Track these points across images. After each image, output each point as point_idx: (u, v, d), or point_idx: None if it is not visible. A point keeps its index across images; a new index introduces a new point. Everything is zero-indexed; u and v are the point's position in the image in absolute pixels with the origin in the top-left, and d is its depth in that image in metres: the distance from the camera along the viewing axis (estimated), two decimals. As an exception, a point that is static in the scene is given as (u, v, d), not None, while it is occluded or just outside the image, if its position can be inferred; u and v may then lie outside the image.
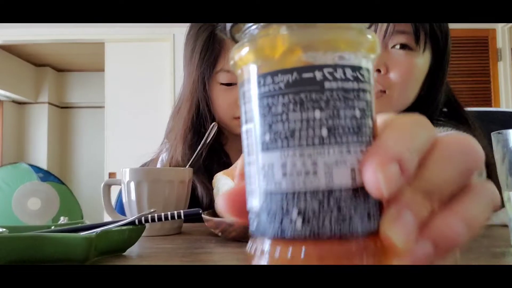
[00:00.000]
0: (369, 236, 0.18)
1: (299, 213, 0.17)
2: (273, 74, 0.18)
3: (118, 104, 3.14)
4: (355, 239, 0.18)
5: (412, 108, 0.74)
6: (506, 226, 0.49)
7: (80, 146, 4.79)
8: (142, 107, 3.04)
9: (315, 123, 0.17)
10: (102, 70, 3.25)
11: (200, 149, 0.71)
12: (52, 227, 0.49)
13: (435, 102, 0.76)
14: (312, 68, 0.17)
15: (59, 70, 4.69)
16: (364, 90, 0.18)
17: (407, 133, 0.19)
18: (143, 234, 0.49)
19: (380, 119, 0.20)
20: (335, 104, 0.17)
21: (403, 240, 0.18)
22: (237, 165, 0.47)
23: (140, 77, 3.11)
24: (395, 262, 0.19)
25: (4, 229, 0.47)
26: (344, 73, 0.18)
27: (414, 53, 0.72)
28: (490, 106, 2.82)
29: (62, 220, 0.59)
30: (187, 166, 0.68)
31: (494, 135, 0.46)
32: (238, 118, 0.85)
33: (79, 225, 0.49)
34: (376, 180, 0.17)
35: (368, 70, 0.19)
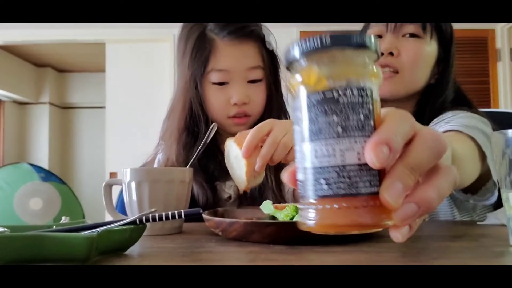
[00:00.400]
0: (370, 196, 0.26)
1: (324, 180, 0.27)
2: (310, 94, 0.28)
3: (118, 105, 3.15)
4: (360, 197, 0.26)
5: (424, 95, 0.86)
6: (504, 225, 0.49)
7: (81, 146, 4.80)
8: (142, 107, 3.04)
9: (334, 124, 0.27)
10: (103, 70, 3.25)
11: (200, 149, 0.72)
12: (54, 227, 0.50)
13: (444, 91, 0.86)
14: (331, 90, 0.27)
15: (60, 70, 4.69)
16: (367, 103, 0.27)
17: (395, 124, 0.27)
18: (144, 233, 0.49)
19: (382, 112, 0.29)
20: (346, 112, 0.26)
21: (394, 201, 0.26)
22: (247, 135, 0.58)
23: (141, 77, 3.11)
24: (392, 215, 0.27)
25: (5, 229, 0.47)
26: (352, 92, 0.27)
27: (422, 40, 0.84)
28: (489, 106, 2.82)
29: (64, 219, 0.60)
30: (187, 166, 0.68)
31: (493, 135, 0.46)
32: (232, 117, 0.85)
33: (81, 224, 0.50)
34: (370, 156, 0.26)
35: (371, 89, 0.27)
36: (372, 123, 0.27)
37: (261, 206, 0.62)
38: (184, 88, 0.85)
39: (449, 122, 0.73)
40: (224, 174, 0.84)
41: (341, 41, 0.27)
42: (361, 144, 0.26)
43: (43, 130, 4.49)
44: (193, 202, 0.80)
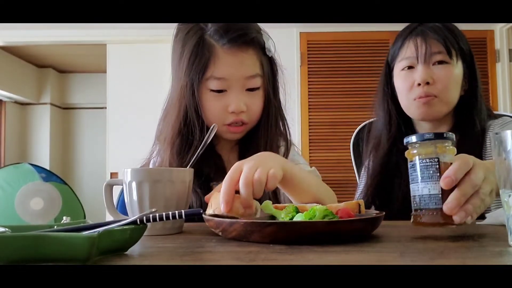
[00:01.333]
0: (437, 209, 0.53)
1: (417, 201, 0.55)
2: (414, 160, 0.56)
3: (119, 105, 3.15)
4: (431, 209, 0.53)
5: (460, 105, 0.99)
6: (503, 225, 0.50)
7: (82, 146, 4.80)
8: (143, 108, 3.04)
9: (419, 174, 0.55)
10: (104, 71, 3.25)
11: (200, 150, 0.72)
12: (55, 227, 0.50)
13: (477, 99, 0.99)
14: (420, 159, 0.55)
15: (61, 71, 4.70)
16: (435, 165, 0.53)
17: (457, 165, 0.52)
18: (145, 233, 0.49)
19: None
20: (423, 170, 0.54)
21: (449, 212, 0.51)
22: (219, 191, 0.60)
23: (142, 78, 3.12)
24: (451, 221, 0.52)
25: (6, 229, 0.48)
26: (427, 161, 0.54)
27: (450, 65, 0.96)
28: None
29: (65, 219, 0.60)
30: (188, 167, 0.68)
31: (492, 136, 0.46)
32: (229, 125, 0.84)
33: (81, 224, 0.50)
34: (442, 184, 0.52)
35: (438, 158, 0.53)
36: (437, 174, 0.53)
37: (261, 206, 0.62)
38: (180, 93, 0.84)
39: None
40: (220, 174, 0.84)
41: (421, 137, 0.55)
42: (429, 185, 0.54)
43: (44, 131, 4.50)
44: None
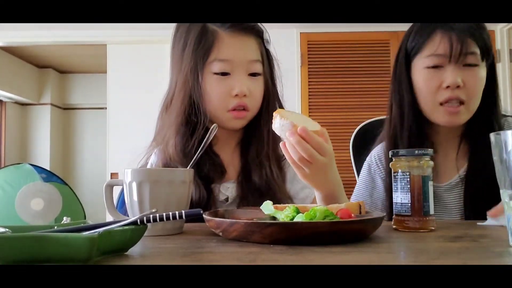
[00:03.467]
0: (408, 216, 0.62)
1: (394, 207, 0.65)
2: (396, 172, 0.64)
3: (120, 105, 3.15)
4: (404, 216, 0.63)
5: (479, 109, 0.89)
6: (504, 226, 0.50)
7: (82, 146, 4.80)
8: (144, 108, 3.04)
9: (397, 185, 0.64)
10: (104, 71, 3.26)
11: (201, 150, 0.72)
12: (55, 227, 0.50)
13: (495, 102, 0.92)
14: (396, 172, 0.64)
15: (62, 71, 4.70)
16: (406, 178, 0.63)
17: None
18: (145, 234, 0.49)
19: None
20: (397, 181, 0.64)
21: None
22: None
23: (142, 78, 3.12)
24: (419, 228, 0.62)
25: (7, 229, 0.47)
26: (401, 174, 0.63)
27: (479, 68, 0.87)
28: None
29: (65, 220, 0.60)
30: (188, 167, 0.68)
31: (492, 136, 0.46)
32: (232, 110, 0.84)
33: (82, 225, 0.50)
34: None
35: (409, 172, 0.62)
36: (408, 186, 0.62)
37: (261, 207, 0.62)
38: (185, 81, 0.85)
39: None
40: (219, 175, 0.85)
41: (396, 154, 0.64)
42: (401, 195, 0.62)
43: (45, 131, 4.50)
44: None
